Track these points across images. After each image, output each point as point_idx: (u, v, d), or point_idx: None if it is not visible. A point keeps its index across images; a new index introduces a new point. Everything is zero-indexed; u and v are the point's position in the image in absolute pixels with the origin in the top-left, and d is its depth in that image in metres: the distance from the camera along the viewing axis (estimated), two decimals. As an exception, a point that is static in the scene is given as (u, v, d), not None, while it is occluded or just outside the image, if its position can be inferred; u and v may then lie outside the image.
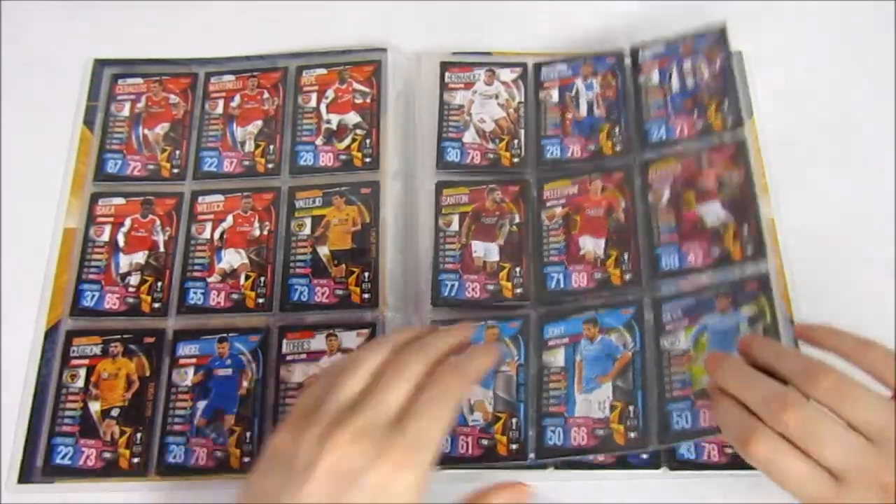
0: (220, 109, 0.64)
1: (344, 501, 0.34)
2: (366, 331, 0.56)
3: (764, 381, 0.40)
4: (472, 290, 0.57)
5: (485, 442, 0.52)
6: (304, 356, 0.55)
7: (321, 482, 0.34)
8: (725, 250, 0.55)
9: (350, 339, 0.55)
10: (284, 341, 0.56)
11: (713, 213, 0.57)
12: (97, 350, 0.56)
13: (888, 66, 0.66)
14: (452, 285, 0.57)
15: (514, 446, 0.52)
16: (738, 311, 0.52)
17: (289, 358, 0.55)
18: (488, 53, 0.67)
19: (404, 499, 0.35)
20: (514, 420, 0.53)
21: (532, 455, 0.52)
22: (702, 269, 0.55)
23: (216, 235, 0.59)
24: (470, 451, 0.52)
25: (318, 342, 0.56)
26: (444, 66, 0.65)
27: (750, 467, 0.51)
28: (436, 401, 0.37)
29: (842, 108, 0.65)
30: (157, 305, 0.57)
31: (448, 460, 0.52)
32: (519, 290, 0.57)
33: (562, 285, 0.57)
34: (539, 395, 0.54)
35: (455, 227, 0.59)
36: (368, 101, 0.64)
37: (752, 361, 0.43)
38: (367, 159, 0.61)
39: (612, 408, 0.52)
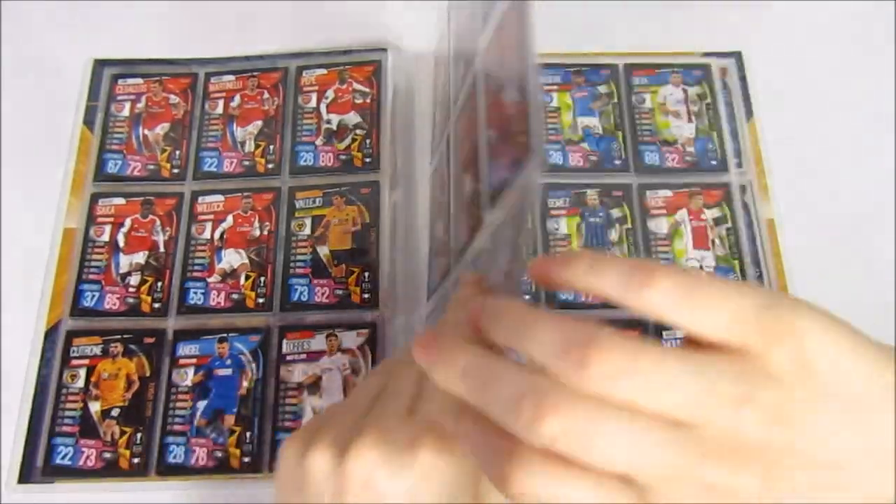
0: (220, 109, 0.64)
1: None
2: (366, 331, 0.56)
3: (506, 375, 0.26)
4: None
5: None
6: (304, 356, 0.55)
7: (353, 497, 0.31)
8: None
9: (350, 339, 0.55)
10: (284, 341, 0.56)
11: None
12: (97, 350, 0.56)
13: (888, 66, 0.66)
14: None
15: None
16: None
17: (289, 358, 0.55)
18: (488, 54, 0.67)
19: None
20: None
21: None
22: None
23: (216, 235, 0.59)
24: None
25: (319, 342, 0.56)
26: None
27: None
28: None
29: (842, 108, 0.65)
30: (157, 305, 0.57)
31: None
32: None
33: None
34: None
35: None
36: (368, 101, 0.64)
37: (487, 340, 0.28)
38: (368, 159, 0.61)
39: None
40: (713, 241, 0.59)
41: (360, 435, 0.32)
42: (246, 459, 0.53)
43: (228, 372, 0.55)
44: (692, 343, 0.25)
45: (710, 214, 0.60)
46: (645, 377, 0.24)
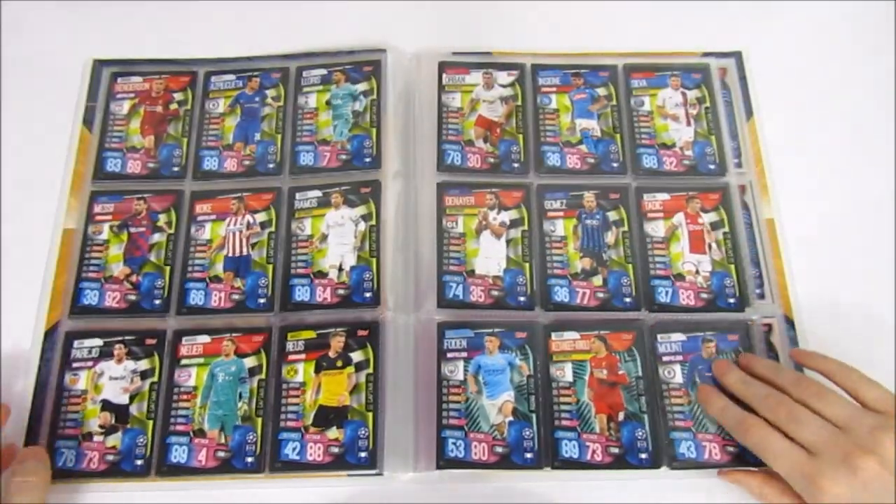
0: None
1: None
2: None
3: (762, 384, 0.52)
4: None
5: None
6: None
7: None
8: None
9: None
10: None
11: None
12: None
13: (888, 66, 0.67)
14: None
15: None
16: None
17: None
18: (488, 53, 0.67)
19: None
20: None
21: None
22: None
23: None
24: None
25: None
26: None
27: (751, 465, 0.52)
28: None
29: (841, 108, 0.65)
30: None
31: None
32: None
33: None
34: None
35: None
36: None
37: (749, 372, 0.54)
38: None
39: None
40: (710, 246, 0.59)
41: None
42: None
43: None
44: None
45: (708, 218, 0.60)
46: (831, 399, 0.48)
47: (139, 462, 0.53)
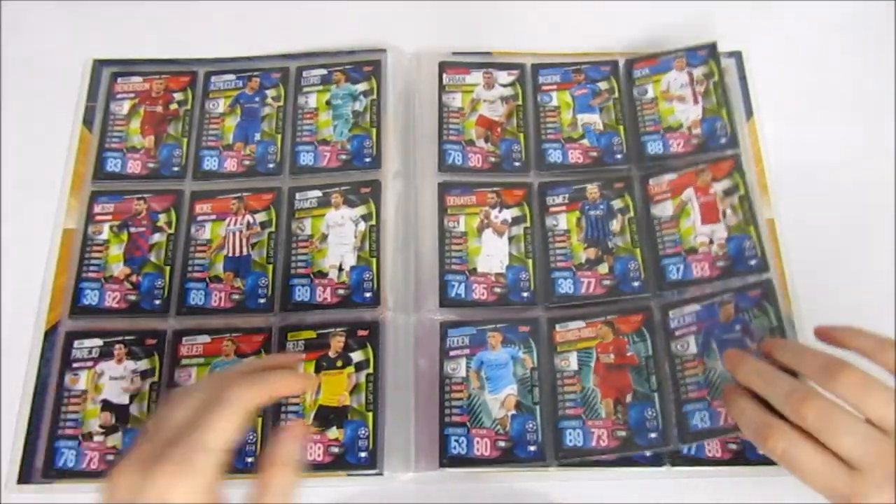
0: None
1: None
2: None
3: (783, 377, 0.42)
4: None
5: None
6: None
7: None
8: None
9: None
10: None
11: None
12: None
13: (888, 66, 0.67)
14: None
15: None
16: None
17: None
18: (488, 53, 0.67)
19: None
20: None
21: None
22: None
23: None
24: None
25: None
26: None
27: (752, 463, 0.52)
28: (214, 410, 0.38)
29: (841, 108, 0.65)
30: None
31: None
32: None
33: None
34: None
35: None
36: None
37: (771, 361, 0.45)
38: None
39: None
40: (724, 213, 0.58)
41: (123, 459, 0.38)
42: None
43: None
44: None
45: (720, 187, 0.59)
46: (878, 397, 0.38)
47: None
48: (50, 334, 0.57)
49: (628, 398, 0.53)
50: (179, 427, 0.37)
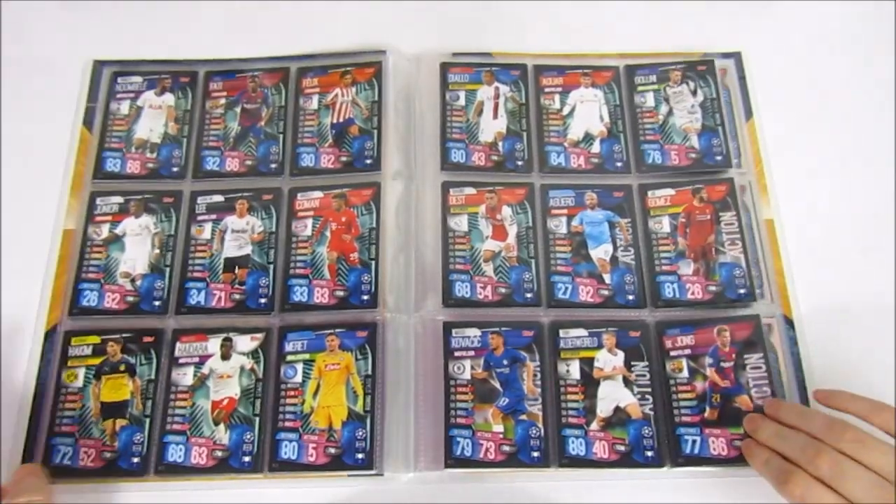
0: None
1: None
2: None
3: (797, 435, 0.49)
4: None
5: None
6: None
7: None
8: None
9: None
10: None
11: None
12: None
13: (888, 66, 0.67)
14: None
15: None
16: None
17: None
18: (488, 54, 0.67)
19: None
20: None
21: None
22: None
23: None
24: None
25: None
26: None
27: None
28: None
29: (841, 108, 0.65)
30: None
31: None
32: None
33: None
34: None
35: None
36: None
37: (778, 421, 0.52)
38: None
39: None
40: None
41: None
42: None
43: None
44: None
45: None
46: (877, 450, 0.45)
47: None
48: (50, 334, 0.57)
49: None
50: None
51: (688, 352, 0.56)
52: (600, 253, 0.58)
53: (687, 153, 0.62)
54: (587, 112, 0.64)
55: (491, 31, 0.69)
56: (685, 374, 0.55)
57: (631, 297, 0.57)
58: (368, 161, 0.61)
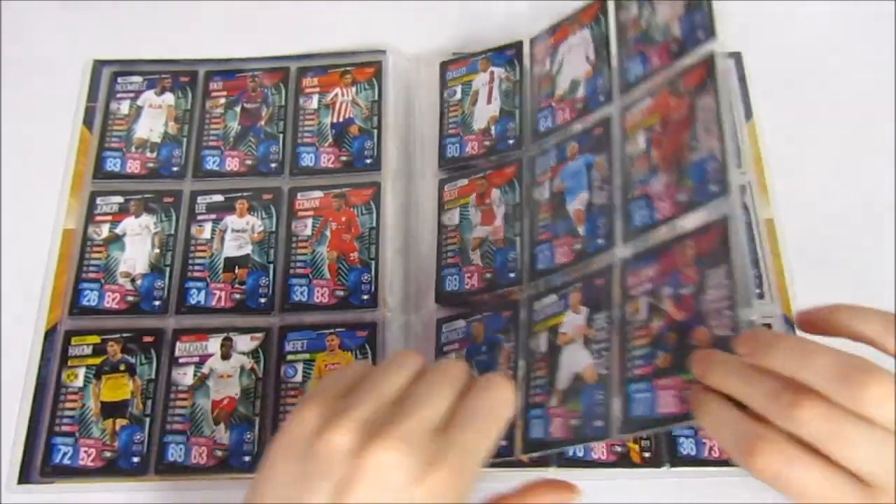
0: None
1: None
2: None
3: (768, 376, 0.33)
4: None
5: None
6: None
7: (362, 492, 0.31)
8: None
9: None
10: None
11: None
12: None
13: (888, 66, 0.67)
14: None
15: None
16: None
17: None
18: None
19: None
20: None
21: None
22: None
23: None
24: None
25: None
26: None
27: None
28: (482, 412, 0.35)
29: (841, 108, 0.65)
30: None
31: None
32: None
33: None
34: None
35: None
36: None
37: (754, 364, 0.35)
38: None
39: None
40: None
41: (390, 430, 0.32)
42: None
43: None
44: None
45: None
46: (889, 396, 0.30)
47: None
48: (50, 334, 0.57)
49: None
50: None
51: (648, 286, 0.45)
52: (576, 204, 0.52)
53: None
54: (575, 59, 0.59)
55: (491, 30, 0.69)
56: (643, 314, 0.45)
57: (601, 241, 0.50)
58: (368, 161, 0.62)
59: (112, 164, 0.62)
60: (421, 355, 0.39)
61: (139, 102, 0.65)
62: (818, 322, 0.36)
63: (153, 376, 0.55)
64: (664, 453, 0.53)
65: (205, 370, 0.55)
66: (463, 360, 0.36)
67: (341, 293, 0.57)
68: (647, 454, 0.52)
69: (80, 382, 0.55)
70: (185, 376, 0.55)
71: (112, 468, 0.53)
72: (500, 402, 0.36)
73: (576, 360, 0.48)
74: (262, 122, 0.64)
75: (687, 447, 0.53)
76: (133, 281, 0.58)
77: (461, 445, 0.33)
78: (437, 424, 0.33)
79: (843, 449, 0.30)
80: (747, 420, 0.33)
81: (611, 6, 0.57)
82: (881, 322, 0.34)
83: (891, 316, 0.34)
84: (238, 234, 0.59)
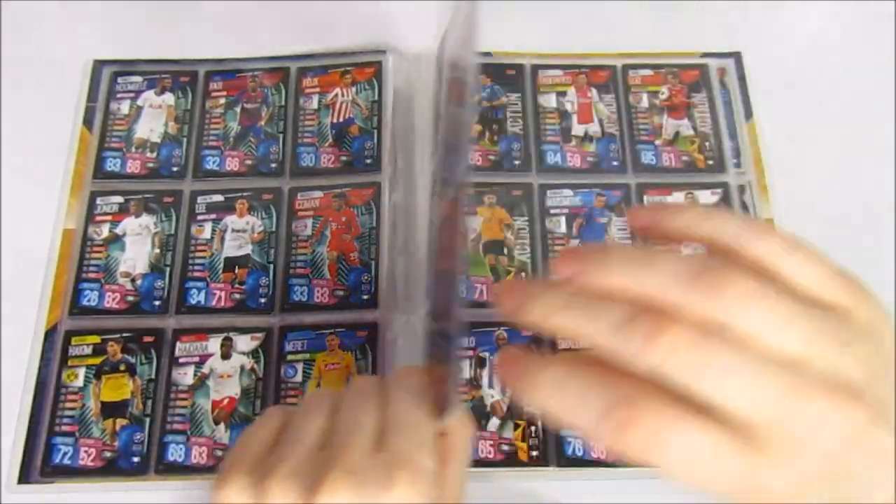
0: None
1: None
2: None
3: (610, 303, 0.25)
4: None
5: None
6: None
7: None
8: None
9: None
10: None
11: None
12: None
13: (888, 66, 0.67)
14: None
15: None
16: None
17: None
18: (488, 54, 0.67)
19: None
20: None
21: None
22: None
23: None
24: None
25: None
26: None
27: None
28: (404, 407, 0.33)
29: (841, 108, 0.65)
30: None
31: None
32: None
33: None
34: None
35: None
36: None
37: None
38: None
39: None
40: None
41: (329, 472, 0.29)
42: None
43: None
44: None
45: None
46: (770, 306, 0.24)
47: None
48: (50, 334, 0.57)
49: None
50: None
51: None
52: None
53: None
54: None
55: (491, 31, 0.69)
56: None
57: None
58: (368, 161, 0.62)
59: (112, 164, 0.62)
60: (332, 390, 0.37)
61: (139, 102, 0.65)
62: (658, 223, 0.29)
63: (153, 376, 0.55)
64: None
65: (205, 370, 0.55)
66: (371, 380, 0.35)
67: (341, 293, 0.57)
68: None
69: (80, 382, 0.55)
70: (186, 376, 0.55)
71: (112, 468, 0.53)
72: (414, 388, 0.34)
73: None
74: (262, 122, 0.64)
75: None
76: (133, 281, 0.58)
77: (404, 450, 0.31)
78: (373, 444, 0.31)
79: (709, 383, 0.23)
80: (605, 384, 0.24)
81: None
82: (737, 224, 0.29)
83: (751, 218, 0.28)
84: (238, 234, 0.59)
